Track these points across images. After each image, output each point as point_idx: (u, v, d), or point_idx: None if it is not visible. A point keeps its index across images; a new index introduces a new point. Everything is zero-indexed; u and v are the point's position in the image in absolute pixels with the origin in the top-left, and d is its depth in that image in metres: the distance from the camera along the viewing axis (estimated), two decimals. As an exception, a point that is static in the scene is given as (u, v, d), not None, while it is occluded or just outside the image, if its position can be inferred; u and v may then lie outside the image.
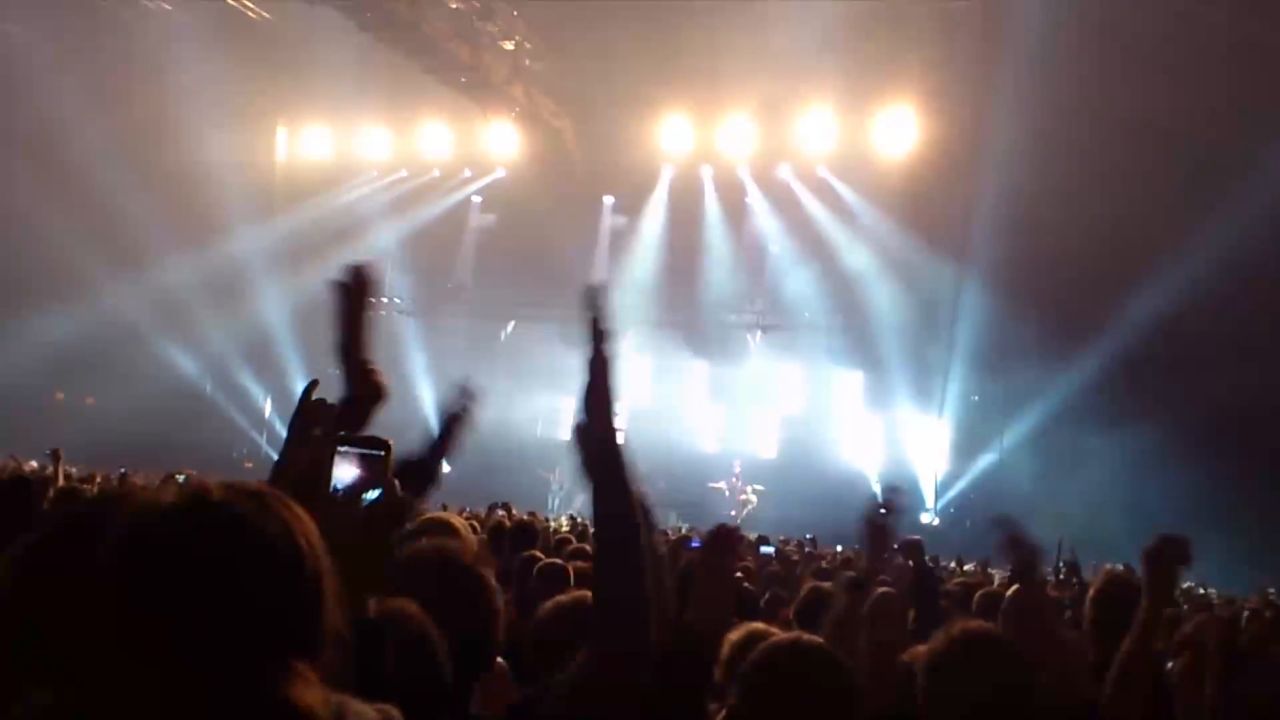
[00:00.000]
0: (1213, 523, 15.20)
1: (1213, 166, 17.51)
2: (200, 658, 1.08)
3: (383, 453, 1.72)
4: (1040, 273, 19.45)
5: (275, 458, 2.62)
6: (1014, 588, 4.70)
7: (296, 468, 1.83)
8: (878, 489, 22.44)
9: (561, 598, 2.75)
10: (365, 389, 2.09)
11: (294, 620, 1.14)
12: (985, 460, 21.86)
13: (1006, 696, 2.24)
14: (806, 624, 3.77)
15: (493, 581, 2.28)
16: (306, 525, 1.18)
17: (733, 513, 23.02)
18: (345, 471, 1.69)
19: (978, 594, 5.19)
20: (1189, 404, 17.86)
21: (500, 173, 25.96)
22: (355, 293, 2.15)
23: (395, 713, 1.24)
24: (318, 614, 1.16)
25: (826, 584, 5.12)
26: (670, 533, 12.83)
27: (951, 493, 22.35)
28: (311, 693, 1.12)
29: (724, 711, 2.18)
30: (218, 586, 1.10)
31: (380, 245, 26.22)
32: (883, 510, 3.50)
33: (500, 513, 11.09)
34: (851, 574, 3.59)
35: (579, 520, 14.42)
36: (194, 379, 24.48)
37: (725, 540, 2.42)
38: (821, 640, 2.30)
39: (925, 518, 22.02)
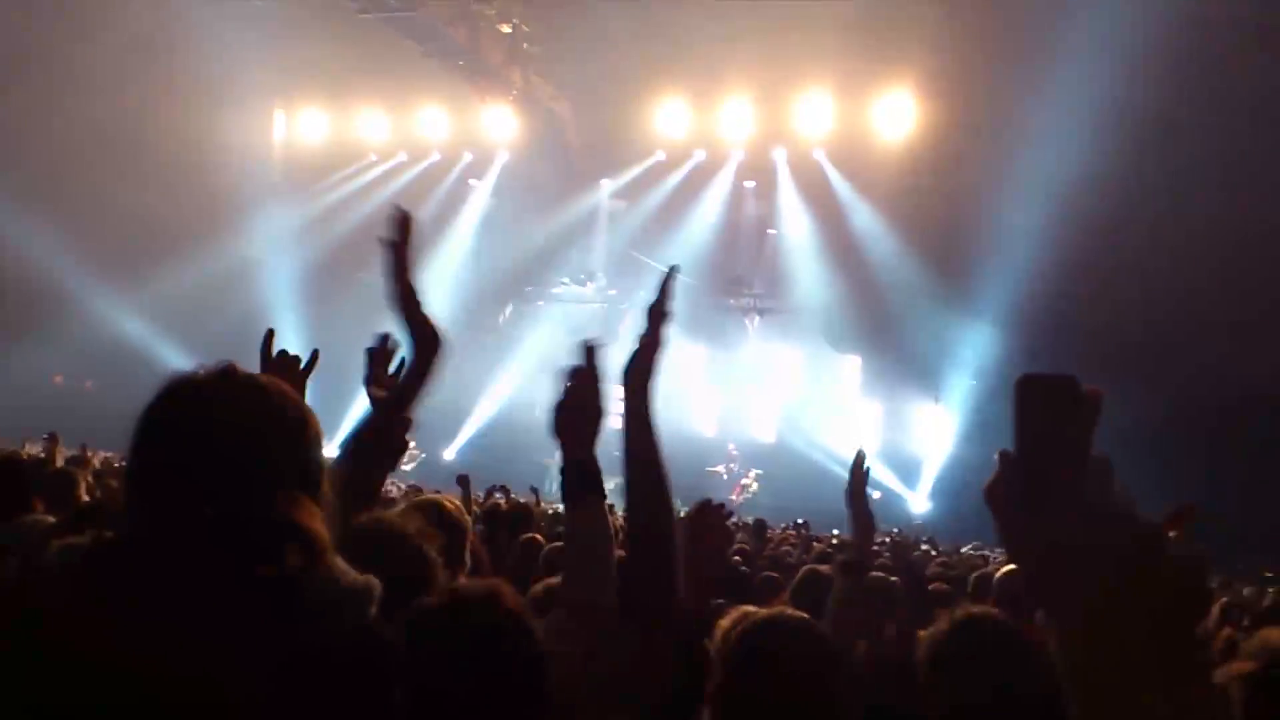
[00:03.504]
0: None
1: (1201, 158, 17.49)
2: (224, 487, 1.29)
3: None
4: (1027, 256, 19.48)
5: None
6: (1005, 568, 4.71)
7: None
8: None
9: None
10: (425, 339, 2.15)
11: (301, 463, 1.38)
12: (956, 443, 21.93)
13: (1010, 683, 2.20)
14: (802, 607, 3.75)
15: (435, 555, 2.29)
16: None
17: (732, 497, 23.08)
18: None
19: (972, 575, 5.18)
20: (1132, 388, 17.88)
21: (505, 156, 25.90)
22: (402, 242, 2.19)
23: (375, 581, 1.37)
24: (319, 462, 1.41)
25: (824, 567, 5.12)
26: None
27: (936, 477, 22.38)
28: (314, 518, 1.33)
29: (711, 690, 2.17)
30: (240, 429, 1.34)
31: (375, 228, 26.18)
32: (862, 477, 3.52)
33: (498, 495, 11.11)
34: (844, 557, 3.59)
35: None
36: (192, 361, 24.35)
37: (708, 517, 2.43)
38: (805, 615, 2.29)
39: (916, 503, 22.09)
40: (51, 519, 3.37)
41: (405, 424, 2.35)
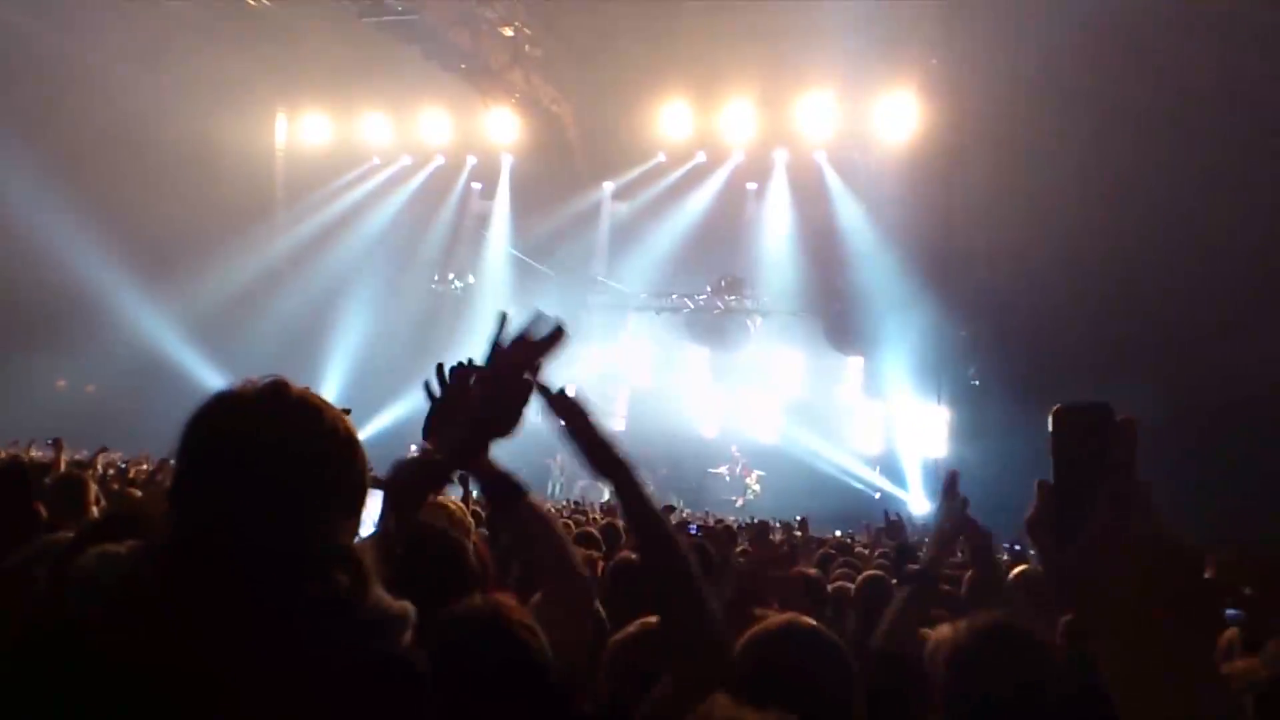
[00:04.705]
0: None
1: (1208, 154, 17.47)
2: (275, 508, 1.28)
3: None
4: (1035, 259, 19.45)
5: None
6: (1018, 569, 4.72)
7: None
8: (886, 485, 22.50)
9: (632, 629, 2.65)
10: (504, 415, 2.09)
11: (349, 485, 1.37)
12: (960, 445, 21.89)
13: (1030, 689, 2.21)
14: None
15: (470, 548, 2.33)
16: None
17: (735, 498, 23.09)
18: None
19: (966, 575, 5.18)
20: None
21: (511, 160, 25.93)
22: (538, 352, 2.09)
23: (409, 607, 1.37)
24: (365, 483, 1.40)
25: (812, 570, 5.13)
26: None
27: (936, 477, 22.32)
28: (360, 544, 1.34)
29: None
30: (293, 449, 1.32)
31: (383, 233, 26.29)
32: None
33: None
34: (918, 567, 3.56)
35: (579, 505, 14.46)
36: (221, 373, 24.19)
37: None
38: (814, 622, 2.30)
39: (915, 503, 22.09)
40: (69, 535, 3.37)
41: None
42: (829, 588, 5.31)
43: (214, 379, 23.88)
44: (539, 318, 2.09)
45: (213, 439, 1.34)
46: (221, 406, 1.37)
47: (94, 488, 4.87)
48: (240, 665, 1.18)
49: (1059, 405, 0.99)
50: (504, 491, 2.28)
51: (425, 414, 2.31)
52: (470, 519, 3.02)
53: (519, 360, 2.09)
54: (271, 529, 1.27)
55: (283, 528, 1.28)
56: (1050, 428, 0.99)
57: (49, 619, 1.26)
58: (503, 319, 2.13)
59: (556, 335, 2.08)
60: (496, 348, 2.12)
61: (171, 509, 1.32)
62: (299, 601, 1.24)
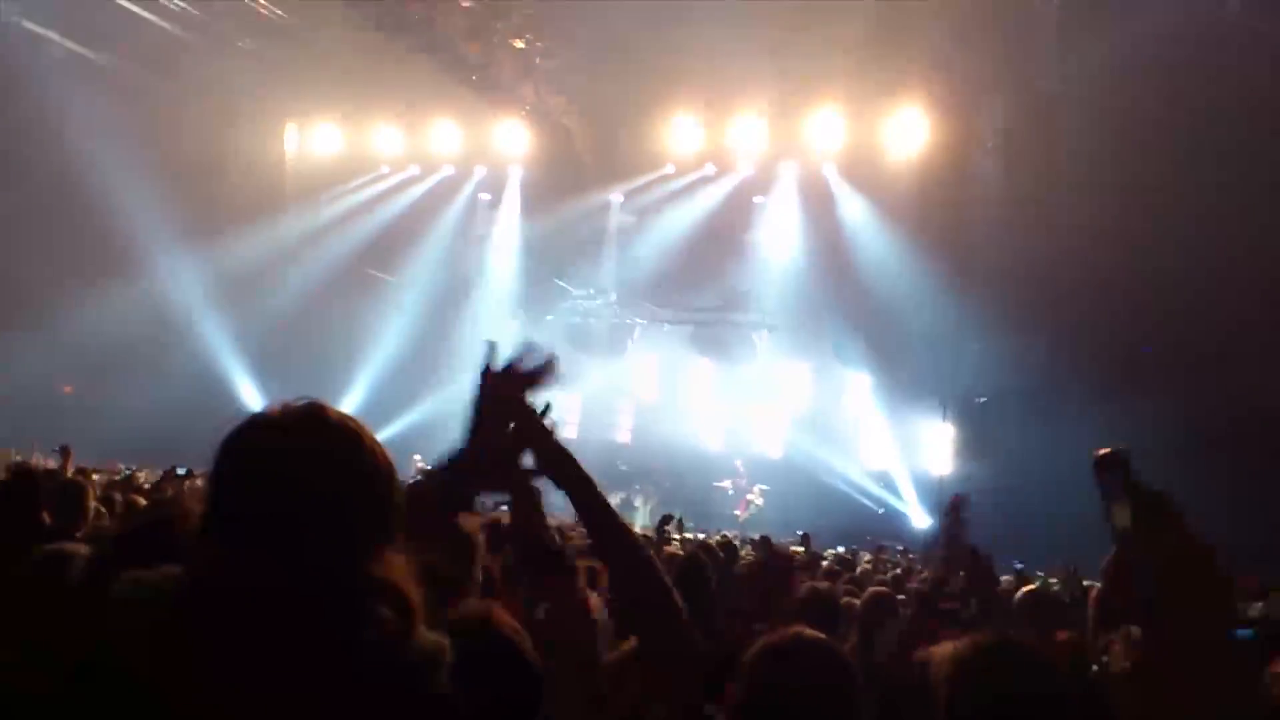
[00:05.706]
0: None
1: (1227, 170, 17.44)
2: (318, 539, 1.23)
3: None
4: (1046, 275, 19.41)
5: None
6: (1025, 589, 4.70)
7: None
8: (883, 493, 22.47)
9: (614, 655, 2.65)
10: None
11: (388, 513, 1.32)
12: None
13: (1035, 707, 2.19)
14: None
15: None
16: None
17: (738, 512, 23.05)
18: None
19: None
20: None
21: (520, 172, 25.98)
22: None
23: (446, 643, 1.33)
24: (401, 510, 1.34)
25: (824, 584, 5.13)
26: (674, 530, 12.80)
27: (940, 493, 22.27)
28: (405, 576, 1.29)
29: (729, 706, 2.18)
30: (335, 477, 1.27)
31: (388, 241, 26.33)
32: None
33: (504, 508, 11.11)
34: (919, 588, 3.57)
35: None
36: (200, 375, 24.21)
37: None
38: (822, 635, 2.29)
39: (917, 518, 22.06)
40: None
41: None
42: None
43: (223, 379, 24.03)
44: (529, 348, 2.03)
45: (252, 464, 1.29)
46: (258, 429, 1.32)
47: (92, 494, 4.88)
48: (287, 709, 1.15)
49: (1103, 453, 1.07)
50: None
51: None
52: (478, 535, 3.01)
53: (506, 392, 2.02)
54: (317, 561, 1.22)
55: (329, 560, 1.23)
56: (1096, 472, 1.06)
57: (93, 647, 1.22)
58: (491, 348, 2.04)
59: (546, 368, 2.04)
60: (485, 378, 2.02)
61: (206, 536, 1.28)
62: (347, 642, 1.20)
